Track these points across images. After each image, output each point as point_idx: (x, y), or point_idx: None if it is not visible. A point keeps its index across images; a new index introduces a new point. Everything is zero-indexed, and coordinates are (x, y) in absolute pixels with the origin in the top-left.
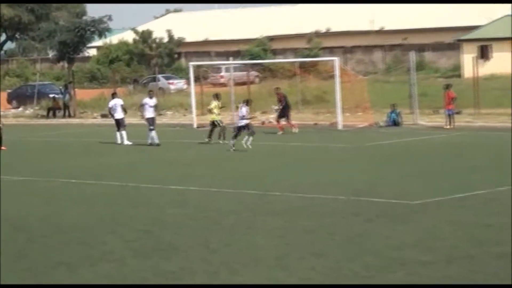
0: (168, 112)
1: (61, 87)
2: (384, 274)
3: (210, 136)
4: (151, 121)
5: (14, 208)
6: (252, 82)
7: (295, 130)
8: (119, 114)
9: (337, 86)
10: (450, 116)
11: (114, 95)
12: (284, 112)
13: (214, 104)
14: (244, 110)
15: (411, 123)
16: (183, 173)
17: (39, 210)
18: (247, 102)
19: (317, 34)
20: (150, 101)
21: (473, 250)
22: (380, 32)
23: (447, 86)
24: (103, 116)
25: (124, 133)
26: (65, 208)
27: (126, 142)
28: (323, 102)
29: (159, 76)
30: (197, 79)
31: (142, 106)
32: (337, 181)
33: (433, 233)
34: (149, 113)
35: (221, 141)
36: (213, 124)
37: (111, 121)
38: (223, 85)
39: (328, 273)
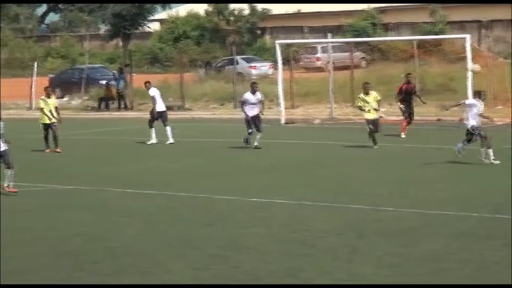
0: None
1: (114, 72)
2: None
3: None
4: (251, 120)
5: (57, 226)
6: (356, 66)
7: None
8: (161, 106)
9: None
10: None
11: (148, 84)
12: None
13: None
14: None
15: None
16: (267, 182)
17: (88, 228)
18: (480, 95)
19: (442, 4)
20: (252, 97)
21: None
22: None
23: None
24: (167, 108)
25: (169, 128)
26: (120, 226)
27: (171, 140)
28: (448, 91)
29: (237, 58)
30: (285, 62)
31: (242, 104)
32: (468, 194)
33: None
34: (252, 110)
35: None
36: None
37: (175, 115)
38: (319, 69)
39: None
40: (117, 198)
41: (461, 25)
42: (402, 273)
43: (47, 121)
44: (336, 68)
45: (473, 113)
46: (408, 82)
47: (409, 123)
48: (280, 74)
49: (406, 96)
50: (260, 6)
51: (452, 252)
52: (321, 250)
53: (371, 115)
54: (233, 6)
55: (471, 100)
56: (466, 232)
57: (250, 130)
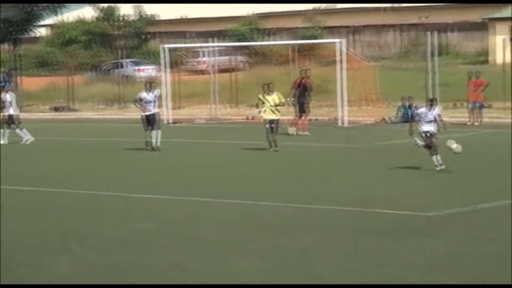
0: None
1: (3, 75)
2: None
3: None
4: (145, 119)
5: None
6: (239, 69)
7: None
8: (14, 110)
9: (341, 73)
10: (474, 110)
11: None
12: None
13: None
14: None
15: None
16: (153, 179)
17: None
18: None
19: (318, 11)
20: (147, 95)
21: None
22: (394, 9)
23: (473, 74)
24: (55, 109)
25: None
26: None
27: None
28: (324, 92)
29: (125, 61)
30: (171, 65)
31: (136, 102)
32: (339, 189)
33: (452, 252)
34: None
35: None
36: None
37: (64, 116)
38: (203, 72)
39: None
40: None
41: (334, 30)
42: (277, 264)
43: None
44: (220, 71)
45: (424, 120)
46: (304, 78)
47: (300, 117)
48: (166, 77)
49: (302, 91)
50: (148, 12)
51: (323, 243)
52: (203, 242)
53: (269, 115)
54: (121, 11)
55: (421, 109)
56: (337, 225)
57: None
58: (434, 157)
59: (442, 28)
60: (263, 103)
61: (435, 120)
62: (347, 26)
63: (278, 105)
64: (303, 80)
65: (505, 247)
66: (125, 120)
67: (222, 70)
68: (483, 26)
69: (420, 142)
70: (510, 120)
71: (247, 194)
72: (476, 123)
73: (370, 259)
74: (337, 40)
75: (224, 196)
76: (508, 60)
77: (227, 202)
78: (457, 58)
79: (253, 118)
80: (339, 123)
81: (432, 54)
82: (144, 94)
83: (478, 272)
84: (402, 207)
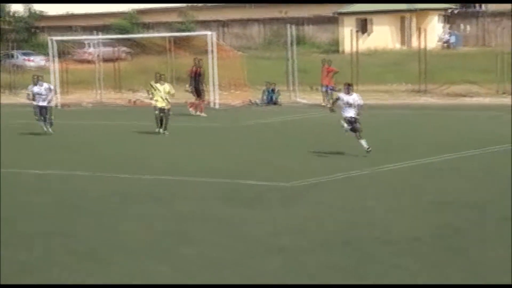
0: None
1: None
2: (260, 260)
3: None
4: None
5: None
6: (121, 59)
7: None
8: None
9: (212, 62)
10: (327, 92)
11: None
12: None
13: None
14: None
15: (289, 101)
16: (46, 157)
17: None
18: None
19: (191, 7)
20: (36, 88)
21: (351, 234)
22: (257, 5)
23: (326, 62)
24: None
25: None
26: None
27: None
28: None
29: (16, 52)
30: (59, 55)
31: (29, 96)
32: (212, 163)
33: (311, 217)
34: (40, 101)
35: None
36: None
37: None
38: (89, 62)
39: (202, 261)
40: None
41: (206, 24)
42: (158, 230)
43: None
44: (104, 61)
45: (344, 105)
46: (198, 66)
47: (199, 100)
48: (55, 66)
49: (197, 78)
50: (37, 8)
51: (198, 212)
52: (91, 213)
53: (160, 103)
54: (12, 8)
55: (340, 94)
56: (211, 195)
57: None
58: (361, 142)
59: (300, 22)
60: (155, 90)
61: (355, 106)
62: (217, 20)
63: (169, 95)
64: (197, 69)
65: (357, 212)
66: (15, 105)
67: (106, 60)
68: (334, 20)
69: (346, 126)
70: None
71: (133, 169)
72: (329, 105)
73: (240, 225)
74: (208, 33)
75: (112, 171)
76: (355, 49)
77: (114, 176)
78: (312, 47)
79: (135, 102)
80: (212, 105)
81: (291, 44)
82: (34, 88)
83: (336, 235)
84: (268, 178)
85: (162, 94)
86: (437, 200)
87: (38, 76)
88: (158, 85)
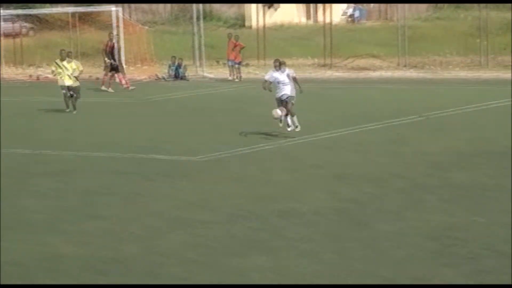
0: None
1: None
2: (164, 235)
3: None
4: None
5: None
6: (24, 34)
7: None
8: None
9: (118, 37)
10: (238, 68)
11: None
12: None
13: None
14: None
15: (197, 75)
16: None
17: None
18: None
19: None
20: None
21: (255, 208)
22: None
23: (232, 36)
24: None
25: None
26: None
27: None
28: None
29: None
30: None
31: None
32: (118, 138)
33: (217, 191)
34: None
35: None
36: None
37: None
38: None
39: (106, 236)
40: None
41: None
42: (61, 205)
43: None
44: (5, 36)
45: (277, 84)
46: (112, 41)
47: (112, 75)
48: None
49: (112, 52)
50: None
51: (102, 186)
52: None
53: (68, 81)
54: None
55: (270, 73)
56: (115, 170)
57: None
58: (289, 119)
59: None
60: (62, 68)
61: (289, 82)
62: None
63: (76, 73)
64: (113, 44)
65: (260, 185)
66: None
67: (7, 35)
68: None
69: (277, 114)
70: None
71: (34, 144)
72: (236, 79)
73: (144, 199)
74: (113, 8)
75: (13, 146)
76: (262, 24)
77: (13, 152)
78: (219, 22)
79: (37, 78)
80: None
81: (198, 19)
82: None
83: (240, 209)
84: (174, 152)
85: (70, 72)
86: (339, 173)
87: None
88: (64, 63)
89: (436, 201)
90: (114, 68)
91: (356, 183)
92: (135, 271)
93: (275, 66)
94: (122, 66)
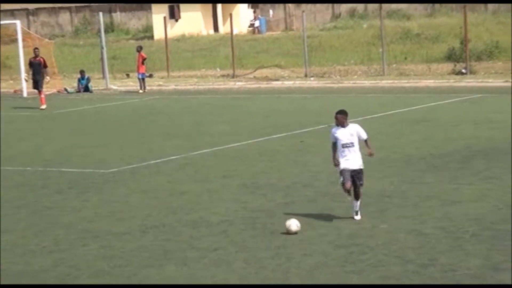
0: None
1: None
2: (75, 248)
3: None
4: None
5: None
6: None
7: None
8: None
9: (20, 51)
10: (142, 79)
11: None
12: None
13: None
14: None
15: (103, 88)
16: None
17: None
18: None
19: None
20: None
21: (166, 219)
22: None
23: (140, 48)
24: None
25: None
26: None
27: None
28: (5, 68)
29: None
30: None
31: None
32: (25, 151)
33: (127, 203)
34: None
35: None
36: None
37: None
38: None
39: (16, 249)
40: None
41: (12, 13)
42: None
43: None
44: None
45: (341, 146)
46: (37, 56)
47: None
48: None
49: (36, 68)
50: None
51: (10, 200)
52: None
53: None
54: None
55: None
56: (23, 184)
57: None
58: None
59: (107, 9)
60: None
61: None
62: (25, 9)
63: None
64: (36, 58)
65: (171, 196)
66: None
67: None
68: (145, 6)
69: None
70: (170, 87)
71: None
72: (140, 91)
73: (57, 211)
74: (15, 21)
75: None
76: (168, 35)
77: None
78: (122, 34)
79: None
80: (24, 94)
81: (102, 31)
82: None
83: (151, 220)
84: (82, 165)
85: None
86: (247, 183)
87: None
88: None
89: (341, 209)
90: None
91: (264, 192)
92: (47, 284)
93: (336, 121)
94: (41, 83)
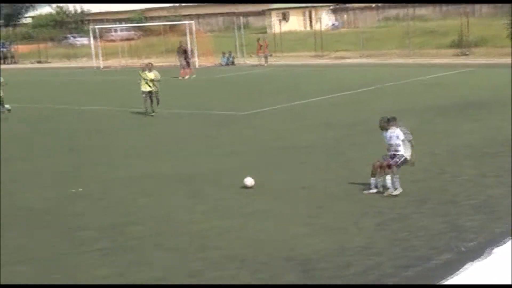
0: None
1: None
2: (222, 162)
3: None
4: None
5: None
6: (135, 38)
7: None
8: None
9: (191, 42)
10: (264, 57)
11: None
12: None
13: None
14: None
15: (237, 63)
16: None
17: None
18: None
19: (180, 6)
20: None
21: (279, 142)
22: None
23: (259, 39)
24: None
25: None
26: None
27: None
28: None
29: (70, 35)
30: (96, 37)
31: None
32: (193, 101)
33: (254, 133)
34: None
35: None
36: None
37: None
38: (115, 41)
39: (197, 153)
40: None
41: (187, 17)
42: None
43: None
44: (127, 39)
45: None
46: (185, 45)
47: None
48: (97, 44)
49: (185, 53)
50: (85, 7)
51: (183, 131)
52: None
53: (147, 88)
54: (71, 8)
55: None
56: (192, 120)
57: None
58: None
59: (243, 14)
60: (142, 77)
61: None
62: (197, 14)
63: (154, 80)
64: (183, 47)
65: (275, 129)
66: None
67: (127, 39)
68: (262, 13)
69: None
70: (279, 63)
71: None
72: (259, 64)
73: (212, 139)
74: (187, 22)
75: None
76: (277, 31)
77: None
78: (252, 31)
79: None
80: (194, 67)
81: (235, 29)
82: None
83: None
84: (226, 109)
85: (149, 80)
86: (325, 122)
87: None
88: (146, 72)
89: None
90: (185, 64)
91: (336, 127)
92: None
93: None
94: (188, 63)
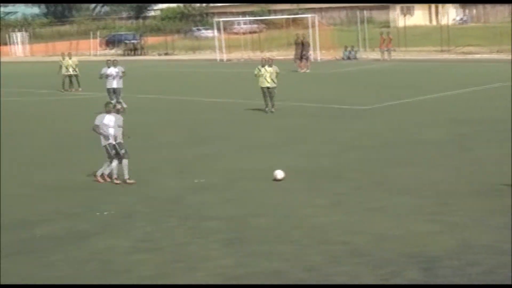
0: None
1: None
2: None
3: None
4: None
5: None
6: (258, 32)
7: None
8: None
9: (313, 35)
10: (386, 52)
11: None
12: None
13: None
14: None
15: (364, 57)
16: None
17: None
18: None
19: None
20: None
21: (396, 136)
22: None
23: (382, 33)
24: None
25: None
26: None
27: None
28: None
29: (194, 28)
30: (219, 30)
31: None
32: (314, 94)
33: (381, 127)
34: None
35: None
36: None
37: None
38: (237, 33)
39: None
40: None
41: (308, 10)
42: None
43: None
44: (249, 33)
45: None
46: (303, 39)
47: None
48: (221, 36)
49: (304, 47)
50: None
51: (303, 125)
52: None
53: (266, 84)
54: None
55: None
56: (311, 114)
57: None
58: None
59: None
60: (261, 72)
61: None
62: (313, 8)
63: (273, 76)
64: (300, 40)
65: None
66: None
67: (251, 32)
68: (384, 7)
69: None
70: (403, 57)
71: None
72: (381, 59)
73: (328, 132)
74: (309, 15)
75: None
76: (401, 25)
77: None
78: (370, 24)
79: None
80: (314, 60)
81: (362, 22)
82: (107, 70)
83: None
84: (345, 103)
85: (268, 75)
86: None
87: (114, 60)
88: (266, 67)
89: None
90: (302, 57)
91: (441, 125)
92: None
93: None
94: (307, 57)
